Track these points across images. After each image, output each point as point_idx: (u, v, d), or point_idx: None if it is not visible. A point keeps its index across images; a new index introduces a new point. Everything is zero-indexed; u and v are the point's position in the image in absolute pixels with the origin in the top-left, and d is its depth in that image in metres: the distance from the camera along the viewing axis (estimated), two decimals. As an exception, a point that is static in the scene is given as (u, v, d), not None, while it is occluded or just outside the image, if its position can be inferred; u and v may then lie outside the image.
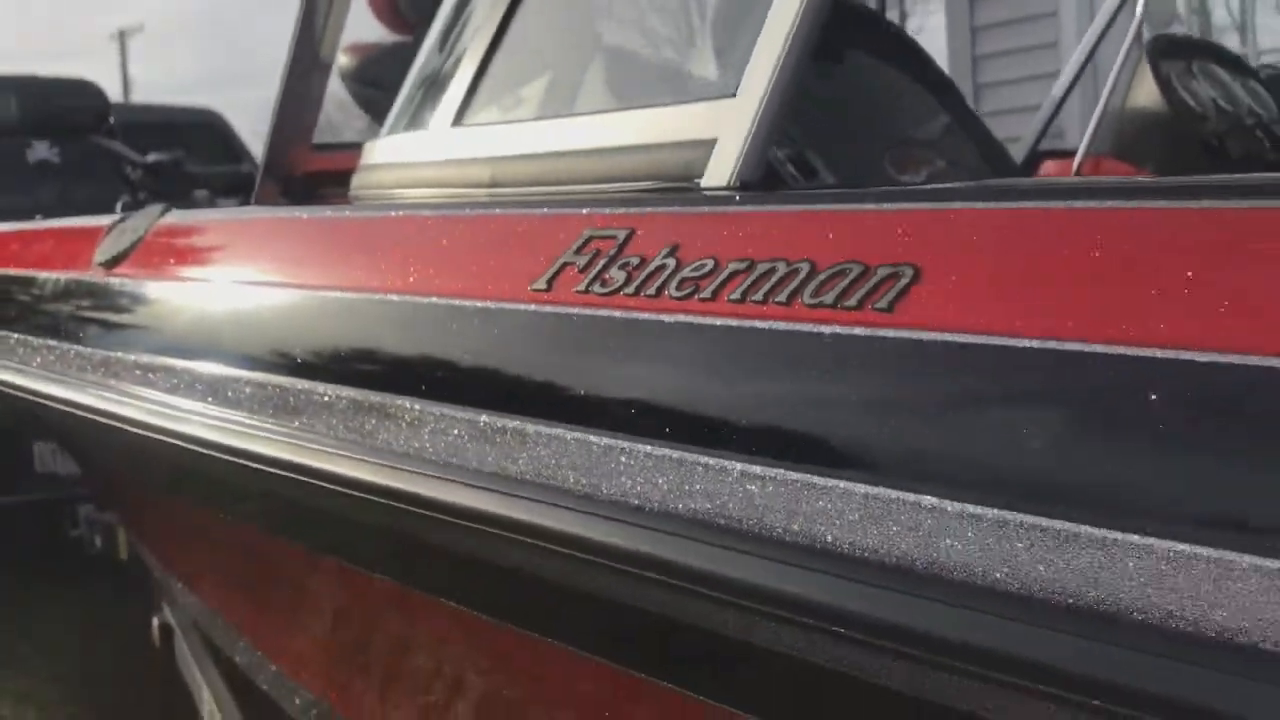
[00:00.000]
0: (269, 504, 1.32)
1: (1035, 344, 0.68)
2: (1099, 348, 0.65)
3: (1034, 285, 0.70)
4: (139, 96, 26.18)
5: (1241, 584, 0.57)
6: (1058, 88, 2.67)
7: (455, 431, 0.97)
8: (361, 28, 3.55)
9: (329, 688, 1.92)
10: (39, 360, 1.72)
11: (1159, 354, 0.63)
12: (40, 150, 5.26)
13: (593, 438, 0.86)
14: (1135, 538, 0.61)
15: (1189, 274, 0.68)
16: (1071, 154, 2.00)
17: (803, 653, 0.75)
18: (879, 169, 1.58)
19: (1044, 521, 0.65)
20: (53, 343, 1.70)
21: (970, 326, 0.70)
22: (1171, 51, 2.61)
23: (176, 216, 1.66)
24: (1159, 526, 0.62)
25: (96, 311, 1.66)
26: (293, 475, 1.15)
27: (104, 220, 1.80)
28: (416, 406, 1.04)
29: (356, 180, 1.51)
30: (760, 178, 0.95)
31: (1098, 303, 0.68)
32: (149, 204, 1.99)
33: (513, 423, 0.93)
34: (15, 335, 1.84)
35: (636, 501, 0.83)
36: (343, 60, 3.30)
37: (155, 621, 3.61)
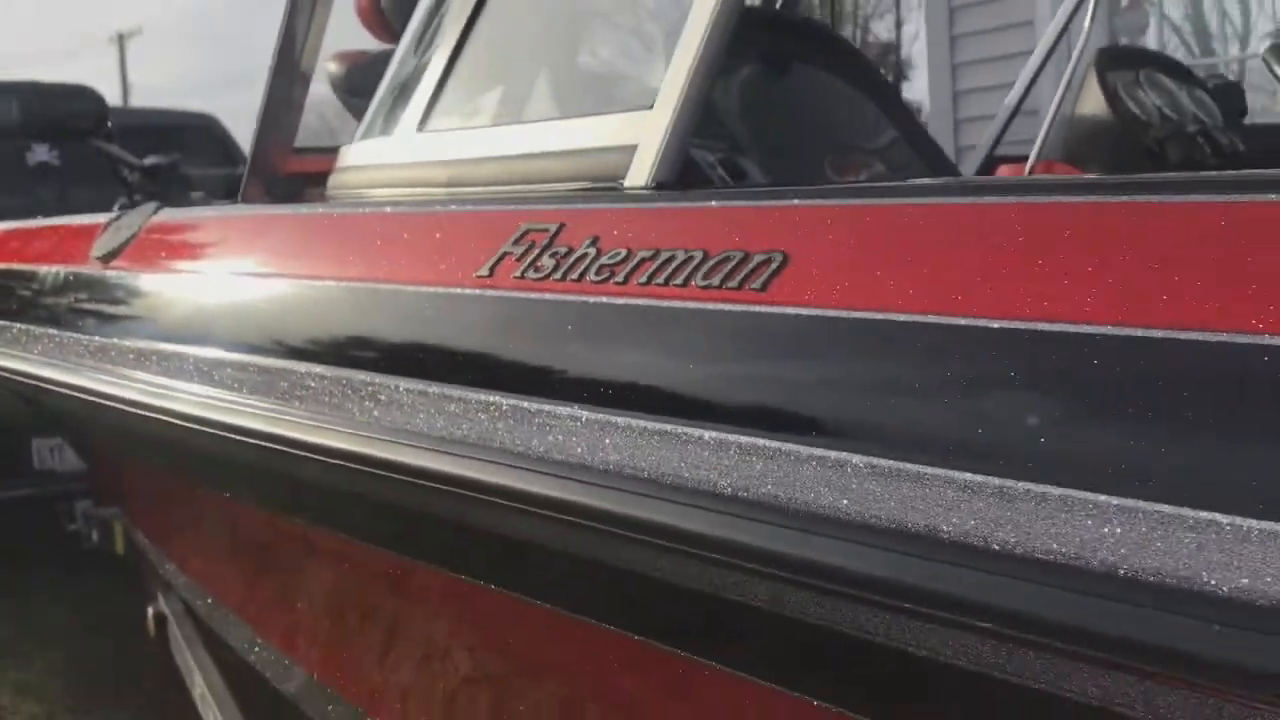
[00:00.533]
0: (251, 475, 1.46)
1: (880, 316, 0.82)
2: (932, 318, 0.80)
3: (884, 268, 0.84)
4: (138, 100, 26.29)
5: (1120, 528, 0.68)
6: (1011, 96, 2.80)
7: (411, 401, 1.12)
8: (352, 37, 3.68)
9: (322, 663, 2.01)
10: (40, 348, 1.86)
11: (982, 323, 0.77)
12: (40, 153, 5.35)
13: (524, 403, 1.01)
14: (968, 475, 0.75)
15: (1024, 252, 0.82)
16: (1026, 159, 2.12)
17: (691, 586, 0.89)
18: (819, 172, 1.72)
19: (889, 463, 0.78)
20: (53, 331, 1.84)
21: (829, 303, 0.84)
22: (1119, 63, 2.75)
23: (168, 214, 1.81)
24: (974, 466, 0.75)
25: (94, 302, 1.81)
26: (272, 445, 1.30)
27: (100, 218, 1.94)
28: (380, 381, 1.18)
29: (332, 181, 1.66)
30: (675, 178, 1.10)
31: (935, 282, 0.82)
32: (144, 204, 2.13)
33: (457, 392, 1.07)
34: (17, 325, 1.98)
35: (559, 457, 0.97)
36: (332, 68, 3.43)
37: (150, 611, 3.71)
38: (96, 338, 1.71)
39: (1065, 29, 2.89)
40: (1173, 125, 2.65)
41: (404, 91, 1.53)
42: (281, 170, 1.76)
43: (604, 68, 1.43)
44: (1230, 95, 3.10)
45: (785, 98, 1.81)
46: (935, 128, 5.62)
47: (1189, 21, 6.02)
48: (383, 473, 1.07)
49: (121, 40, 31.92)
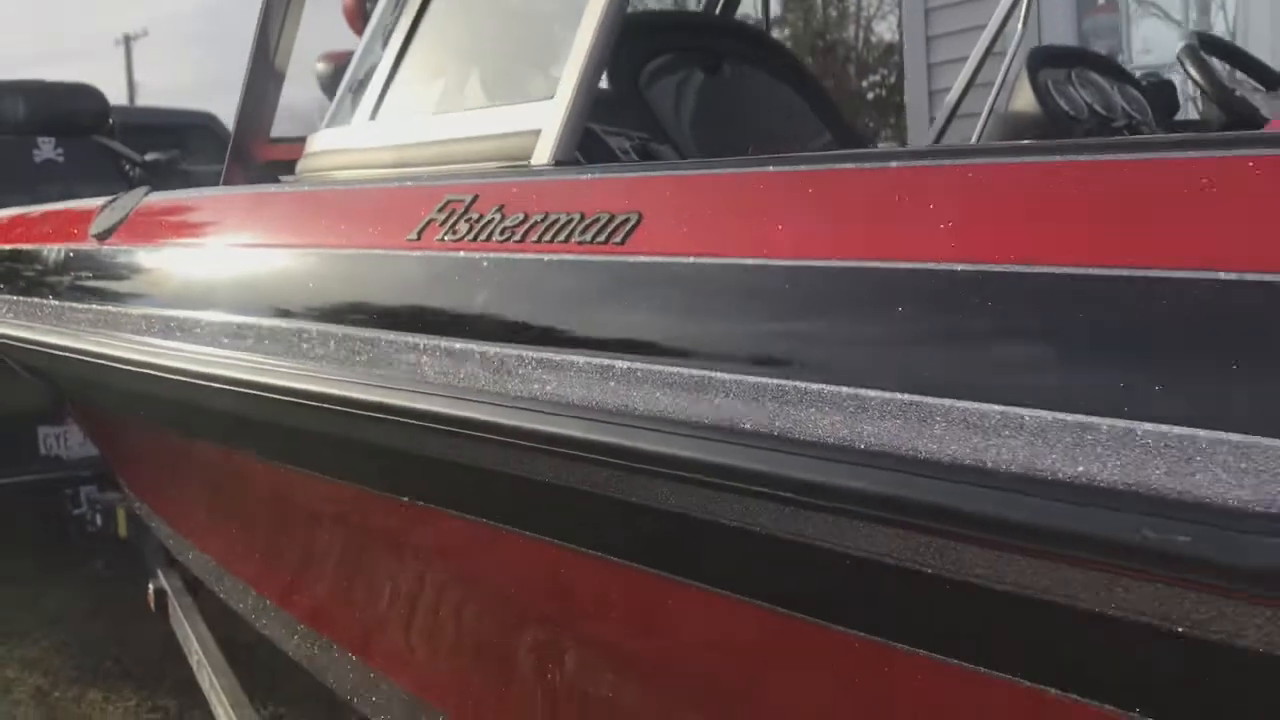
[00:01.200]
0: (229, 420, 1.69)
1: (710, 261, 1.04)
2: (746, 260, 1.02)
3: (715, 223, 1.07)
4: (143, 100, 26.58)
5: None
6: (950, 96, 3.01)
7: (356, 346, 1.34)
8: (342, 39, 3.91)
9: (316, 614, 2.17)
10: (45, 318, 2.09)
11: (775, 262, 0.99)
12: (46, 150, 5.54)
13: (443, 342, 1.23)
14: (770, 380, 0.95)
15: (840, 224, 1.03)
16: None
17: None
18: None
19: (705, 374, 1.00)
20: (56, 302, 2.08)
21: (674, 252, 1.07)
22: (1052, 62, 2.94)
23: (157, 196, 2.04)
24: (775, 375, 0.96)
25: (92, 275, 2.04)
26: (248, 391, 1.52)
27: (98, 202, 2.18)
28: (336, 330, 1.41)
29: (300, 165, 1.89)
30: (572, 157, 1.33)
31: (753, 233, 1.04)
32: (142, 193, 2.36)
33: (392, 336, 1.30)
34: (25, 299, 2.22)
35: (476, 385, 1.19)
36: (320, 68, 3.65)
37: (151, 587, 3.90)
38: (95, 306, 1.95)
39: (999, 32, 3.09)
40: (1101, 120, 2.84)
41: (360, 86, 1.77)
42: (259, 157, 1.99)
43: (518, 64, 1.66)
44: (1163, 92, 3.27)
45: (719, 94, 2.03)
46: (912, 126, 5.82)
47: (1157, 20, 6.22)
48: (325, 406, 1.30)
49: (128, 42, 32.27)
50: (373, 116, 1.68)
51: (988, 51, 3.14)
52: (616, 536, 1.15)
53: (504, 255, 1.21)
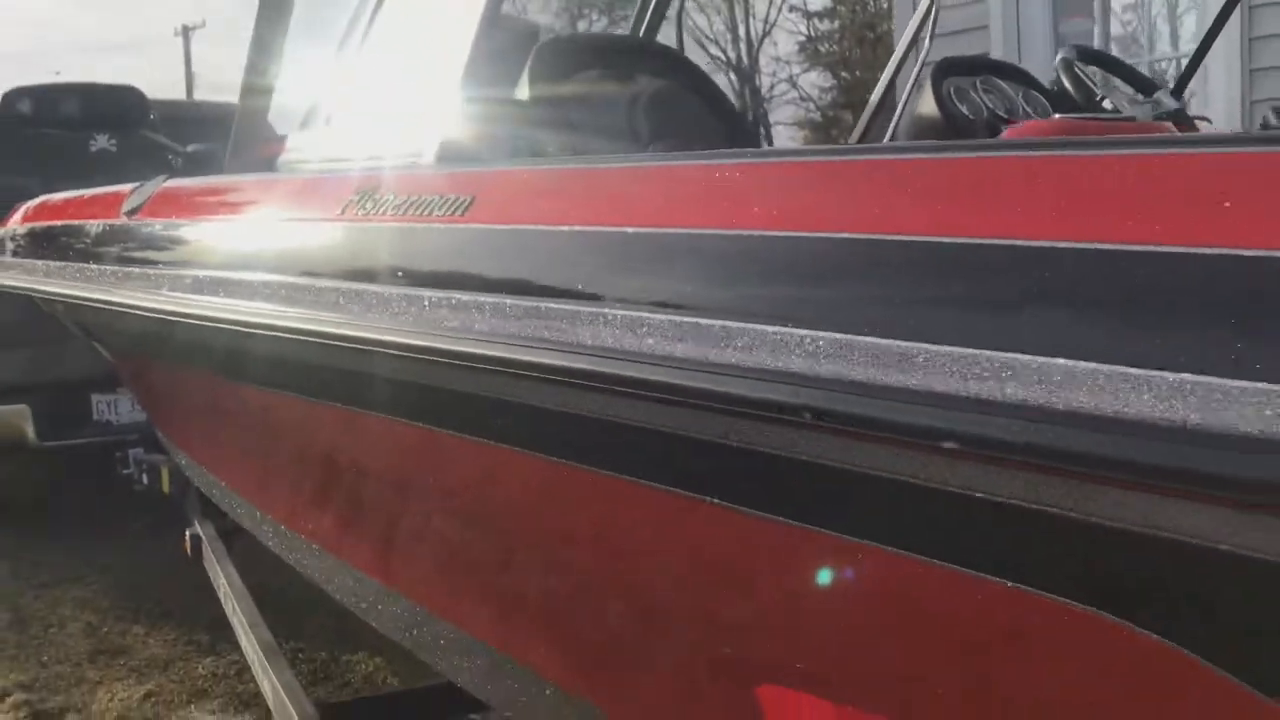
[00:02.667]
0: (239, 356, 2.26)
1: (524, 228, 1.59)
2: (544, 227, 1.56)
3: (531, 203, 1.61)
4: (201, 92, 27.46)
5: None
6: (874, 97, 3.48)
7: (297, 291, 1.92)
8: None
9: (342, 543, 2.53)
10: (87, 277, 2.71)
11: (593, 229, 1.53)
12: (100, 142, 6.14)
13: (354, 285, 1.79)
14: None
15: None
16: None
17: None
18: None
19: (520, 302, 1.54)
20: (94, 266, 2.69)
21: (497, 221, 1.62)
22: (957, 70, 3.39)
23: (174, 182, 2.65)
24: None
25: (122, 244, 2.65)
26: (252, 330, 2.09)
27: (127, 187, 2.79)
28: (289, 280, 1.99)
29: (281, 159, 2.48)
30: (452, 155, 1.88)
31: (557, 208, 1.59)
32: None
33: (329, 284, 1.87)
34: (71, 264, 2.83)
35: (388, 324, 1.73)
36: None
37: (187, 534, 4.47)
38: (126, 267, 2.55)
39: (915, 40, 3.57)
40: (1000, 120, 3.27)
41: (321, 99, 2.35)
42: (254, 151, 2.59)
43: (421, 82, 2.21)
44: (1066, 96, 3.70)
45: (631, 104, 2.57)
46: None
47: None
48: (292, 336, 1.88)
49: (187, 33, 33.11)
50: (326, 123, 2.27)
51: (902, 60, 3.62)
52: (466, 422, 1.70)
53: (393, 225, 1.77)
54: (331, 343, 1.75)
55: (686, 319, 1.22)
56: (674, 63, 2.69)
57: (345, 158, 2.14)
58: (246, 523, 3.37)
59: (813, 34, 26.15)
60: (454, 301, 1.53)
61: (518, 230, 1.54)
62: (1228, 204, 0.93)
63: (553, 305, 1.41)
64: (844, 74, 24.78)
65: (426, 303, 1.59)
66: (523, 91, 2.32)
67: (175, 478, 4.91)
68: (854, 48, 23.77)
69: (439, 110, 1.88)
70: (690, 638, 1.55)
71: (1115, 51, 6.34)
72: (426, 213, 1.69)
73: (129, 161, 5.76)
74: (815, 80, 26.08)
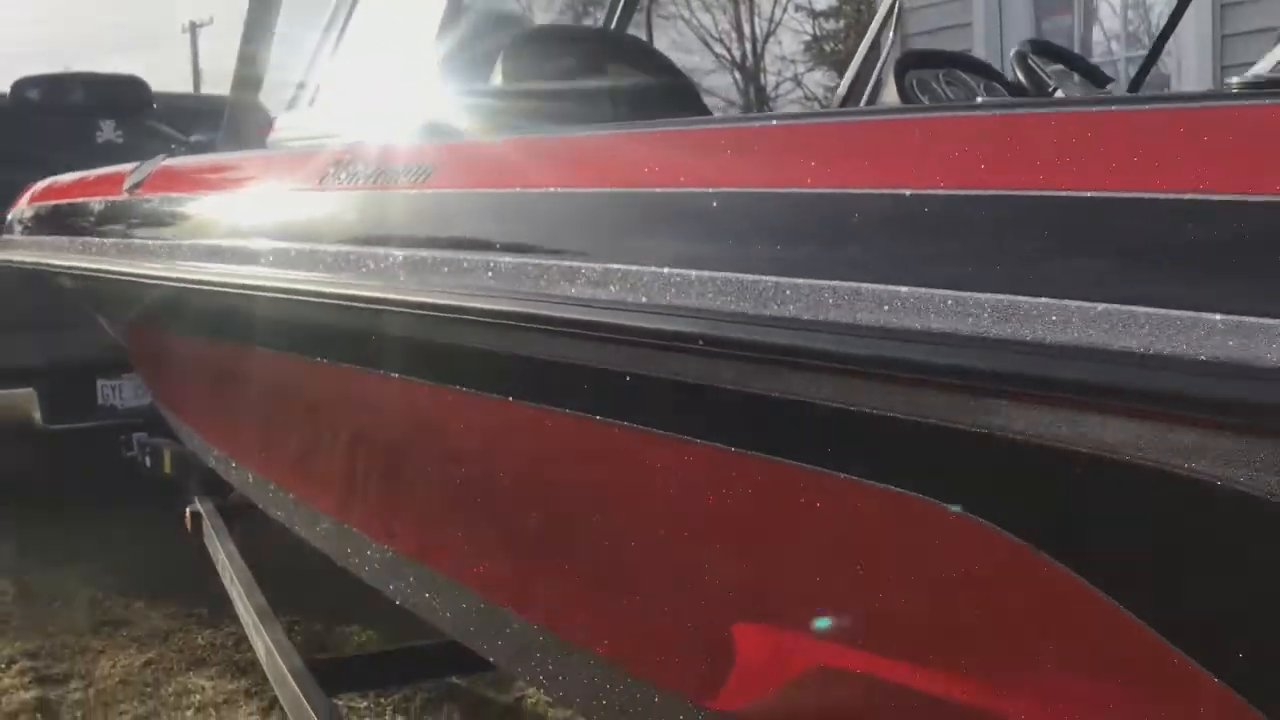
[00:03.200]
0: (242, 319, 2.46)
1: (462, 192, 1.80)
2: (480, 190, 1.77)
3: (470, 172, 1.83)
4: (208, 87, 27.80)
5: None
6: (839, 92, 3.69)
7: (282, 252, 2.13)
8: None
9: (342, 508, 2.69)
10: (93, 250, 2.93)
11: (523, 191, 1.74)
12: (107, 132, 6.36)
13: (329, 247, 2.01)
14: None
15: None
16: None
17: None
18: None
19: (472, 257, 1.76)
20: (99, 238, 2.92)
21: (449, 185, 1.83)
22: (922, 63, 3.58)
23: (171, 160, 2.87)
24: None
25: (125, 217, 2.88)
26: (247, 292, 2.30)
27: (128, 166, 3.01)
28: (273, 245, 2.20)
29: (270, 138, 2.70)
30: (423, 133, 2.11)
31: (486, 174, 1.80)
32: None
33: (308, 246, 2.08)
34: (79, 238, 3.06)
35: (356, 281, 1.95)
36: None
37: (188, 511, 4.67)
38: (127, 239, 2.78)
39: (878, 36, 3.78)
40: (965, 111, 3.46)
41: (308, 82, 2.57)
42: (247, 131, 2.81)
43: (392, 66, 2.43)
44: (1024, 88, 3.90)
45: (600, 91, 2.78)
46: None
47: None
48: (273, 296, 2.09)
49: (194, 29, 33.49)
50: (310, 104, 2.49)
51: (868, 53, 3.83)
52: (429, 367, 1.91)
53: (363, 192, 1.98)
54: (306, 299, 1.97)
55: (607, 265, 1.42)
56: (643, 54, 2.89)
57: (326, 135, 2.37)
58: (237, 484, 3.57)
59: (818, 33, 26.33)
60: (414, 259, 1.74)
61: (469, 194, 1.75)
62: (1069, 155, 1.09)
63: (501, 260, 1.61)
64: (849, 73, 24.81)
65: (389, 260, 1.80)
66: (497, 78, 2.53)
67: (177, 460, 5.07)
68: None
69: (409, 92, 2.10)
70: (648, 563, 1.73)
71: (1102, 45, 6.52)
72: (391, 180, 1.91)
73: (134, 151, 5.97)
74: (820, 79, 26.27)
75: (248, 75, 2.73)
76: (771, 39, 24.13)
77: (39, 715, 4.02)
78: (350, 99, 2.48)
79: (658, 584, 1.76)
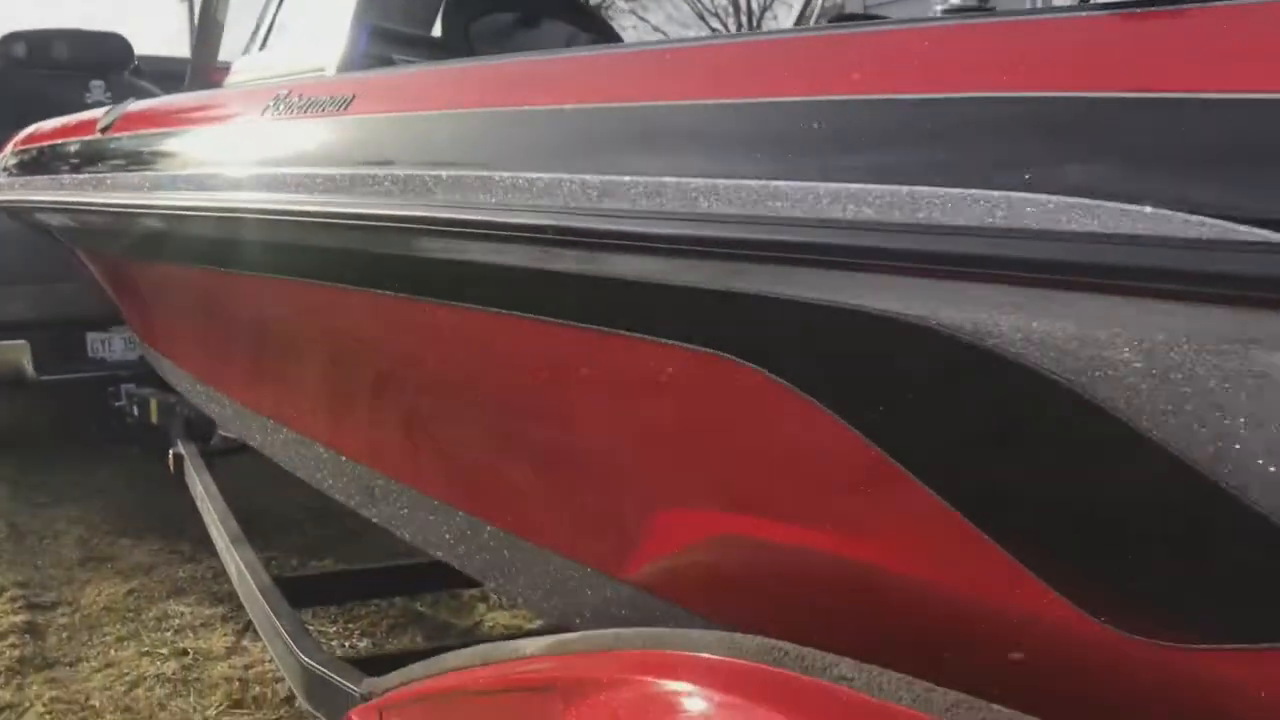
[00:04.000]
0: (192, 242, 2.77)
1: (379, 116, 2.10)
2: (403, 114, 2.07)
3: (388, 98, 2.13)
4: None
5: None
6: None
7: (228, 182, 2.44)
8: None
9: (331, 432, 2.84)
10: (71, 185, 3.26)
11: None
12: (96, 93, 6.64)
13: (264, 171, 2.31)
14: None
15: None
16: None
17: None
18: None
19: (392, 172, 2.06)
20: (74, 176, 3.23)
21: (368, 112, 2.14)
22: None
23: (138, 104, 3.19)
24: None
25: (99, 154, 3.20)
26: (197, 214, 2.61)
27: (100, 111, 3.33)
28: (222, 172, 2.51)
29: (227, 80, 3.01)
30: (351, 68, 2.40)
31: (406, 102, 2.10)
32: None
33: (246, 171, 2.38)
34: (60, 176, 3.37)
35: (288, 198, 2.26)
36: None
37: (171, 453, 4.97)
38: (100, 174, 3.09)
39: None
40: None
41: (258, 28, 2.88)
42: (209, 75, 3.11)
43: (330, 13, 2.72)
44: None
45: (531, 42, 3.07)
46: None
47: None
48: (223, 217, 2.40)
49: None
50: (261, 48, 2.80)
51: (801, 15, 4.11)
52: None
53: (298, 120, 2.28)
54: (251, 218, 2.28)
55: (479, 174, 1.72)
56: (577, 11, 3.19)
57: (272, 75, 2.67)
58: (204, 405, 3.86)
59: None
60: (333, 176, 2.05)
61: (380, 119, 2.06)
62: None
63: (403, 173, 1.91)
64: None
65: (319, 179, 2.10)
66: (437, 28, 2.83)
67: (163, 409, 5.37)
68: (860, 19, 24.01)
69: (337, 37, 2.41)
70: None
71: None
72: (320, 109, 2.21)
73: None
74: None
75: (209, 27, 3.03)
76: (768, 13, 24.30)
77: (28, 636, 4.33)
78: (291, 43, 2.79)
79: (546, 462, 2.06)
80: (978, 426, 1.26)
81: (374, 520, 2.66)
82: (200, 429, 4.78)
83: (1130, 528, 1.16)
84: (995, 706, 1.20)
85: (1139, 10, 1.13)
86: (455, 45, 2.80)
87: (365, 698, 2.45)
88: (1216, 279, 0.99)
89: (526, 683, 1.90)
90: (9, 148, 4.10)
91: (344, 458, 2.59)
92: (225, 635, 4.32)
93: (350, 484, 2.72)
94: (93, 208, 3.10)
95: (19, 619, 4.45)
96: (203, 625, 4.43)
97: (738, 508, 1.70)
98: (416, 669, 2.26)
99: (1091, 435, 1.10)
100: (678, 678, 1.54)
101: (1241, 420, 1.00)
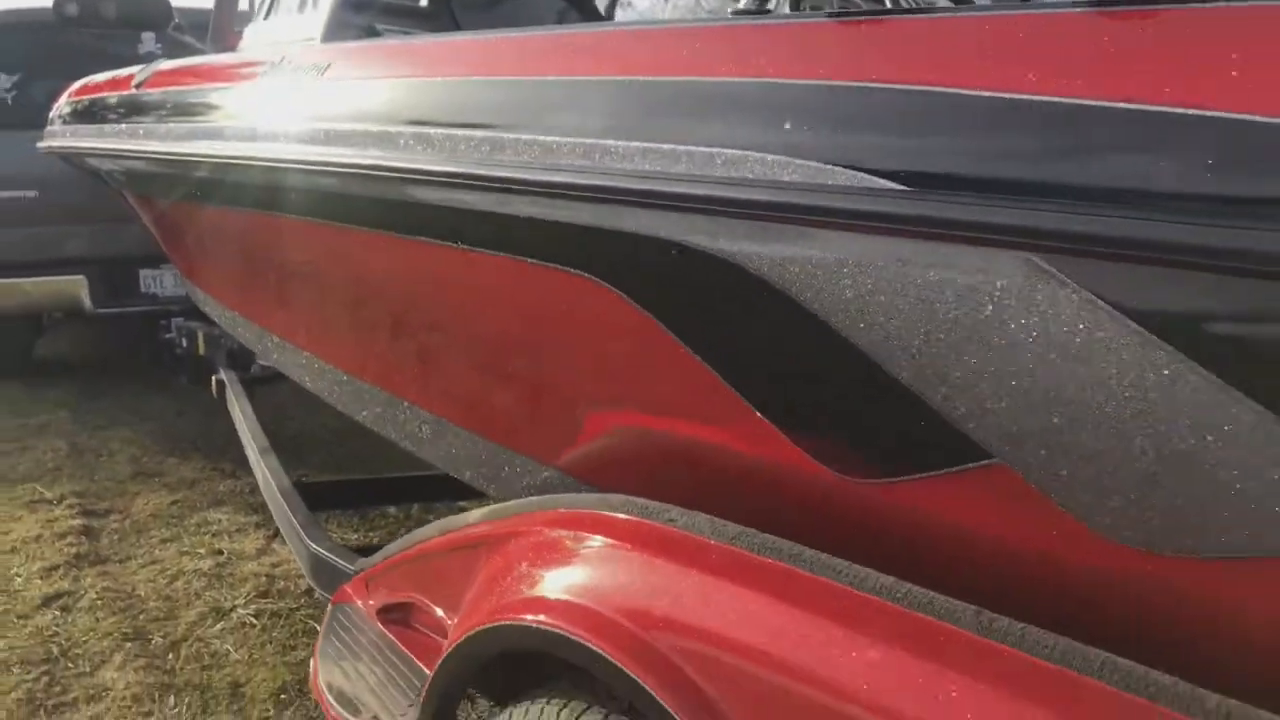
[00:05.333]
0: (210, 183, 3.30)
1: (351, 81, 2.60)
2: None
3: (357, 65, 2.62)
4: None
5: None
6: None
7: (234, 131, 2.95)
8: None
9: (354, 362, 3.29)
10: (107, 133, 3.81)
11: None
12: (148, 44, 7.17)
13: (260, 124, 2.81)
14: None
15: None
16: None
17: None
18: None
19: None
20: (115, 125, 3.78)
21: (348, 79, 2.63)
22: None
23: (166, 63, 3.72)
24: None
25: (134, 107, 3.75)
26: (214, 160, 3.13)
27: (137, 68, 3.87)
28: (231, 124, 3.03)
29: (239, 44, 3.52)
30: (330, 38, 2.89)
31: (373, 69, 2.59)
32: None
33: (245, 122, 2.89)
34: (105, 126, 3.93)
35: (282, 149, 2.77)
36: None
37: (214, 379, 5.53)
38: (135, 124, 3.64)
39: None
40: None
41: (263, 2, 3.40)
42: (227, 39, 3.62)
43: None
44: None
45: (512, 11, 3.54)
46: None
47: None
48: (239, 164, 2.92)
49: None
50: (266, 18, 3.31)
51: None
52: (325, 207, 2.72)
53: (289, 79, 2.79)
54: (252, 165, 2.79)
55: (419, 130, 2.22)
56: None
57: (271, 42, 3.17)
58: (226, 327, 4.40)
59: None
60: (312, 131, 2.55)
61: (349, 83, 2.55)
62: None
63: (367, 129, 2.41)
64: None
65: (301, 133, 2.61)
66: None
67: (209, 341, 5.91)
68: None
69: (322, 10, 2.91)
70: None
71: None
72: (307, 72, 2.71)
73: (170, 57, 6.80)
74: None
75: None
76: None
77: (84, 537, 4.94)
78: (288, 14, 3.29)
79: (493, 375, 2.56)
80: (742, 321, 1.74)
81: (378, 430, 3.18)
82: (241, 359, 5.29)
83: (825, 385, 1.64)
84: (752, 531, 1.68)
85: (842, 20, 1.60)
86: (439, 16, 3.28)
87: (357, 573, 3.00)
88: (855, 214, 1.46)
89: (468, 542, 2.41)
90: (63, 99, 4.66)
91: (348, 375, 3.10)
92: (257, 539, 4.89)
93: (350, 395, 3.24)
94: (129, 154, 3.64)
95: (76, 523, 5.07)
96: (237, 531, 5.01)
97: (618, 403, 2.19)
98: (394, 546, 2.82)
99: (792, 320, 1.58)
100: (566, 527, 2.05)
101: (881, 303, 1.47)
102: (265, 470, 4.16)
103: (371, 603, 2.97)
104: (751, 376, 1.76)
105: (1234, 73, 1.16)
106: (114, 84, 4.11)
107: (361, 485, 4.53)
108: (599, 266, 1.95)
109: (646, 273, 1.85)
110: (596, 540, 1.97)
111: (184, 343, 6.21)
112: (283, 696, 3.65)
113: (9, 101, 7.12)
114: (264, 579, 4.49)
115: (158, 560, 4.70)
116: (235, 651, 3.92)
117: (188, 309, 6.24)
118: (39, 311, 7.55)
